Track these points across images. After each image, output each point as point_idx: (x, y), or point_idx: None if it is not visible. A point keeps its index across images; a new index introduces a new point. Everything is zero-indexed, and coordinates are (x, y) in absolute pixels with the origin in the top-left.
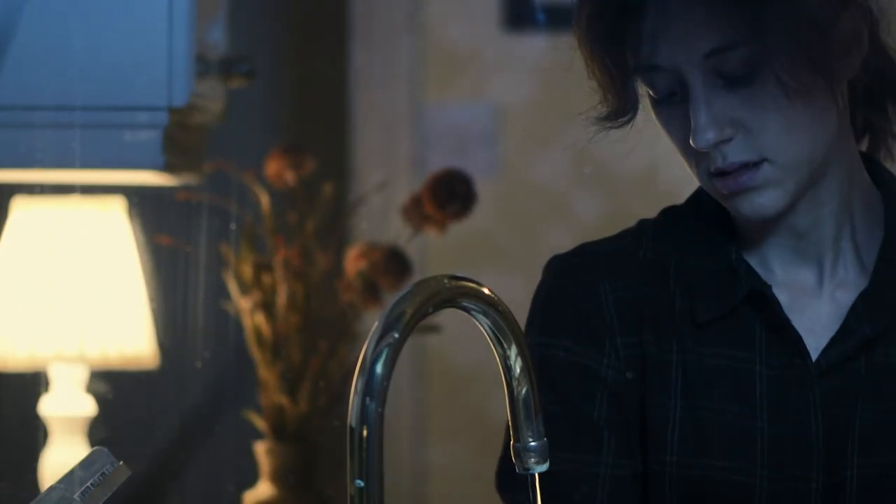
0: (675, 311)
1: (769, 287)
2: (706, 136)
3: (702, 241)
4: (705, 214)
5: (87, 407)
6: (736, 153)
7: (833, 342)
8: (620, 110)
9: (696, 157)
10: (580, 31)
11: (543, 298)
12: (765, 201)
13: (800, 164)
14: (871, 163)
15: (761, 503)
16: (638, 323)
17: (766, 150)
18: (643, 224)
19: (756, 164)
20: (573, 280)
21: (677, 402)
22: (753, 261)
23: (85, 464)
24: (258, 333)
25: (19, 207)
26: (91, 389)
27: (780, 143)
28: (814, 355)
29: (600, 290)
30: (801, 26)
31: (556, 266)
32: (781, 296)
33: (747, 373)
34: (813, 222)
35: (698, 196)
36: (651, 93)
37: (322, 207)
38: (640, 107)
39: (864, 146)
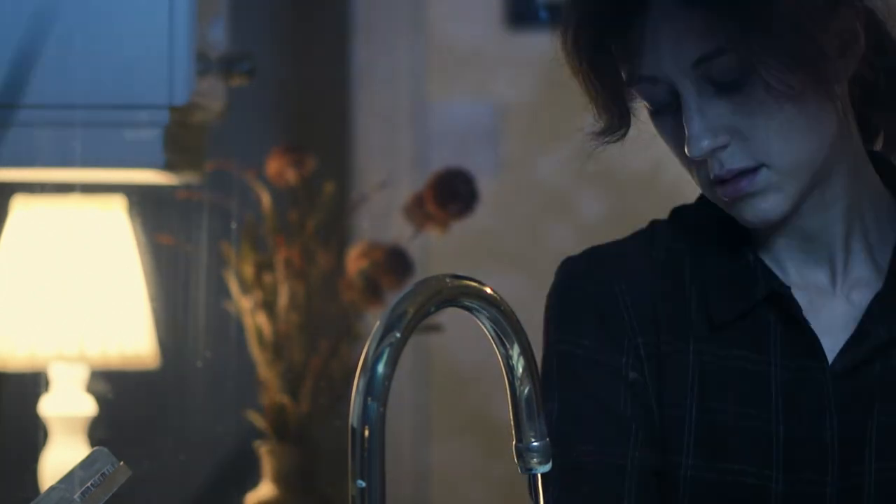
0: (690, 311)
1: (788, 288)
2: (700, 144)
3: (716, 241)
4: (718, 214)
5: (88, 407)
6: (732, 160)
7: (849, 345)
8: (614, 125)
9: (695, 166)
10: (567, 47)
11: (559, 299)
12: (766, 206)
13: (799, 168)
14: (881, 162)
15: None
16: (654, 323)
17: (762, 156)
18: (655, 225)
19: (754, 170)
20: (589, 280)
21: (692, 402)
22: (768, 261)
23: (85, 464)
24: (259, 333)
25: (20, 206)
26: (91, 389)
27: (776, 148)
28: (829, 357)
29: (616, 291)
30: (787, 30)
31: (571, 267)
32: (798, 297)
33: (762, 374)
34: (821, 224)
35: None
36: (646, 104)
37: (323, 206)
38: (635, 115)
39: (878, 146)
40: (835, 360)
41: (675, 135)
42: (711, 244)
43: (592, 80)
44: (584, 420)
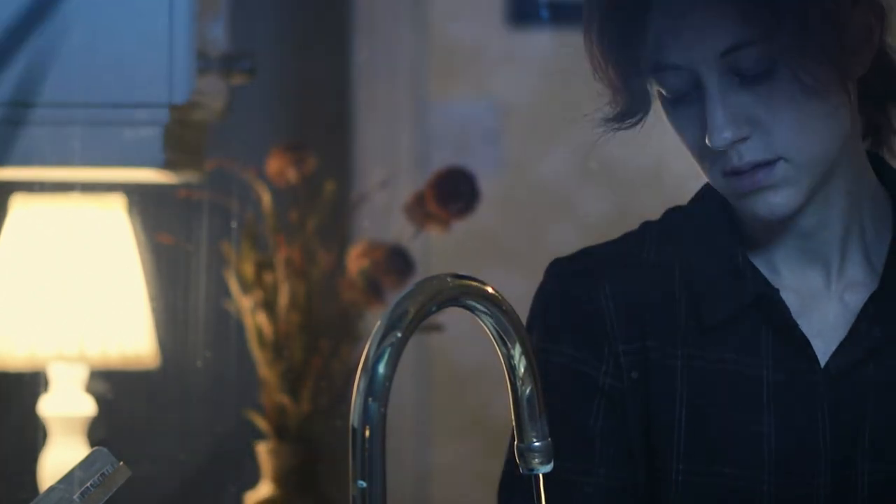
0: (680, 314)
1: (777, 291)
2: (723, 134)
3: (707, 243)
4: (710, 215)
5: (87, 407)
6: (752, 152)
7: (842, 346)
8: (632, 111)
9: (710, 157)
10: (592, 33)
11: (543, 302)
12: (780, 200)
13: (815, 162)
14: (878, 162)
15: (769, 489)
16: (640, 328)
17: (781, 149)
18: (646, 226)
19: (771, 163)
20: (574, 284)
21: (682, 407)
22: (760, 263)
23: (85, 464)
24: (259, 333)
25: (19, 205)
26: (91, 389)
27: (795, 141)
28: (822, 359)
29: (601, 295)
30: (817, 22)
31: (558, 269)
32: (789, 299)
33: (753, 378)
34: (821, 222)
35: (702, 196)
36: (664, 92)
37: (324, 205)
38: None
39: (867, 145)
40: (829, 362)
41: (692, 125)
42: (702, 246)
43: (619, 66)
44: (552, 434)
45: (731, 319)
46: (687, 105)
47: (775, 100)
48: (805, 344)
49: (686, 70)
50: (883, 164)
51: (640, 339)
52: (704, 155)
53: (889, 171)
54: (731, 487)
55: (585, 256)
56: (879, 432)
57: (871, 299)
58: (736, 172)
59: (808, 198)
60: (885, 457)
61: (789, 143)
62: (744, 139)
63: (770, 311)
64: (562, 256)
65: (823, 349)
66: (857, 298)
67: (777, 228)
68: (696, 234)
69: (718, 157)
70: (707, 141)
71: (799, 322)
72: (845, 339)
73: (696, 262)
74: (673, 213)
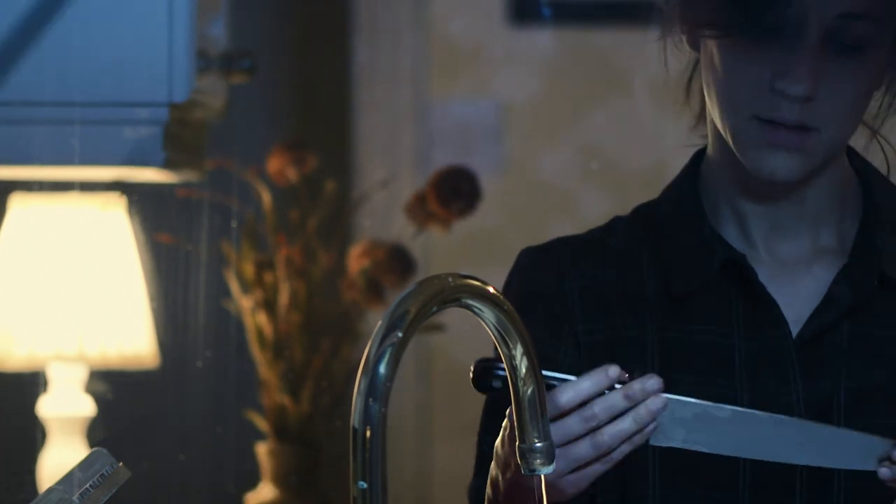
0: (649, 290)
1: (744, 256)
2: (802, 85)
3: (675, 223)
4: (679, 200)
5: (87, 407)
6: (803, 113)
7: (816, 313)
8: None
9: (756, 99)
10: None
11: (508, 284)
12: (790, 165)
13: (837, 144)
14: (848, 150)
15: (745, 477)
16: (604, 309)
17: (823, 121)
18: (616, 218)
19: (807, 130)
20: (538, 267)
21: None
22: (734, 236)
23: (84, 465)
24: (260, 333)
25: (18, 204)
26: (91, 389)
27: (839, 120)
28: (794, 329)
29: (564, 277)
30: None
31: (525, 255)
32: (762, 271)
33: (725, 346)
34: (801, 198)
35: (675, 184)
36: (750, 21)
37: (324, 205)
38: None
39: None
40: (803, 328)
41: (756, 61)
42: (670, 226)
43: None
44: (504, 408)
45: (701, 289)
46: (763, 41)
47: (852, 77)
48: (775, 309)
49: (795, 11)
50: (853, 152)
51: (602, 320)
52: (746, 94)
53: (859, 159)
54: (707, 455)
55: (553, 243)
56: (854, 395)
57: (843, 272)
58: (775, 123)
59: (813, 173)
60: (858, 419)
61: (833, 119)
62: (809, 98)
63: (738, 275)
64: (533, 245)
65: (795, 319)
66: (828, 272)
67: (757, 193)
68: (665, 218)
69: (764, 102)
70: (779, 84)
71: (771, 293)
72: (819, 306)
73: (664, 241)
74: (643, 206)
